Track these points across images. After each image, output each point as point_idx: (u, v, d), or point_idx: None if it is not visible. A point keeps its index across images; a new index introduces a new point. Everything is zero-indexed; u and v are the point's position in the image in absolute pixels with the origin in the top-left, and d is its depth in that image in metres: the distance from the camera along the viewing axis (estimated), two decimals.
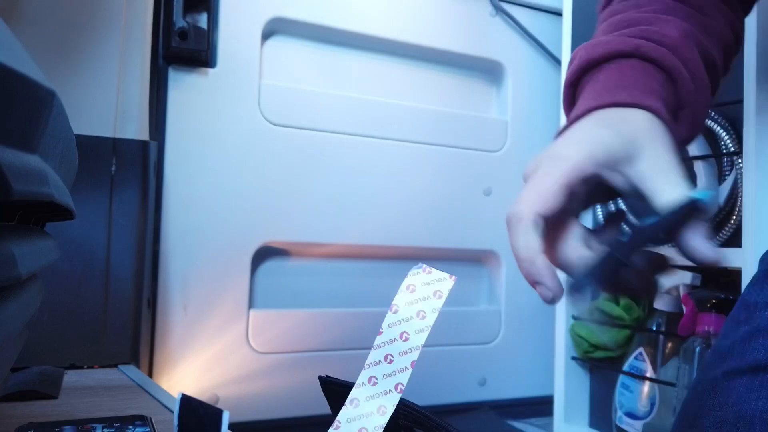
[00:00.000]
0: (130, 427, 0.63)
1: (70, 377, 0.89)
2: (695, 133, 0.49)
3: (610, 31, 0.49)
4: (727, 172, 0.98)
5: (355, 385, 0.38)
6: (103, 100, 0.98)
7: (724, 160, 0.98)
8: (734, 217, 0.96)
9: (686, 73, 0.46)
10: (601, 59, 0.47)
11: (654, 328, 1.04)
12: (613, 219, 0.46)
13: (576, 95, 0.50)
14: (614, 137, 0.41)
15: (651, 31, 0.47)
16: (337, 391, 0.81)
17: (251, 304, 1.13)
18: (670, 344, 1.02)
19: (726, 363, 0.52)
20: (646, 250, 0.41)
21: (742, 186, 0.92)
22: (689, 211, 0.39)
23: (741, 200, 0.93)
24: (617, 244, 0.39)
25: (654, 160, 0.41)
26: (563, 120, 1.40)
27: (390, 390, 0.37)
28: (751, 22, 0.87)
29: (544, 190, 0.40)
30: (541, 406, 1.33)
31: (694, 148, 1.01)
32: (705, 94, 0.48)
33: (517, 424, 1.28)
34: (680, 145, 0.46)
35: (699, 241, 0.40)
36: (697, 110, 0.48)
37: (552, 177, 0.41)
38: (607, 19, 0.52)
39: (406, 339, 0.37)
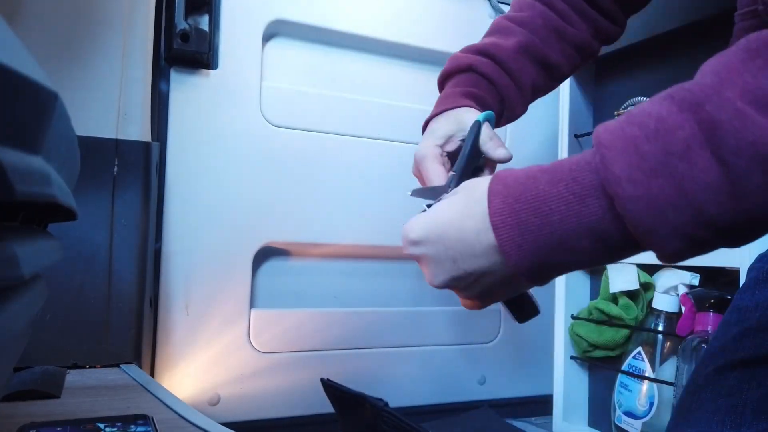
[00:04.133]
0: (132, 426, 0.64)
1: (73, 377, 0.89)
2: (518, 111, 0.74)
3: (472, 46, 0.73)
4: None
5: None
6: (105, 102, 0.99)
7: None
8: None
9: (505, 78, 0.70)
10: (452, 72, 0.72)
11: (652, 328, 1.04)
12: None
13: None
14: (448, 126, 0.68)
15: (490, 46, 0.71)
16: (337, 394, 0.82)
17: (252, 304, 1.13)
18: (668, 343, 1.02)
19: (718, 360, 0.53)
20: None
21: None
22: (477, 129, 0.64)
23: None
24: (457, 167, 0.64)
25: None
26: (561, 121, 1.40)
27: None
28: None
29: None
30: (540, 405, 1.34)
31: None
32: (524, 87, 0.72)
33: (517, 423, 1.29)
34: (509, 119, 0.75)
35: (491, 146, 0.64)
36: (515, 99, 0.72)
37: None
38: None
39: None
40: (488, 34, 0.75)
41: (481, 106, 0.69)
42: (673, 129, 0.36)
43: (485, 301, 0.51)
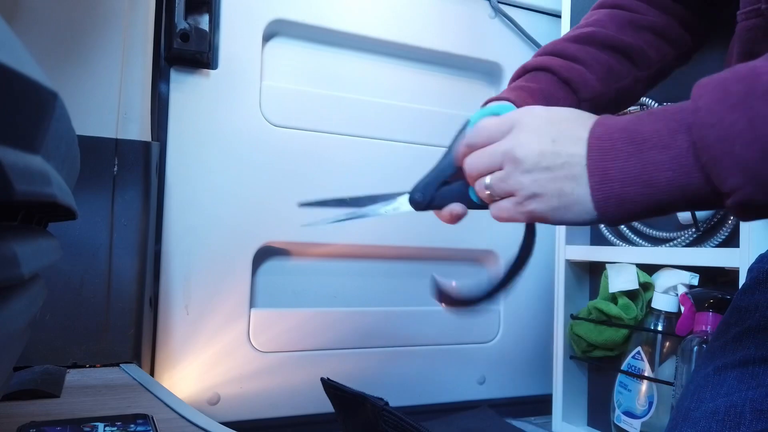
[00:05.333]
0: (132, 425, 0.64)
1: (72, 376, 0.89)
2: (598, 87, 0.67)
3: (554, 45, 0.69)
4: None
5: None
6: (105, 101, 0.99)
7: None
8: (731, 218, 0.96)
9: (563, 62, 0.66)
10: (528, 69, 0.68)
11: (652, 328, 1.04)
12: None
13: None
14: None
15: (549, 45, 0.68)
16: (337, 393, 0.82)
17: (252, 304, 1.13)
18: (668, 343, 1.02)
19: (717, 360, 0.53)
20: None
21: None
22: (462, 128, 0.60)
23: None
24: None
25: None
26: None
27: None
28: None
29: None
30: (539, 405, 1.34)
31: None
32: (591, 65, 0.66)
33: (516, 423, 1.29)
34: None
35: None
36: (581, 76, 0.66)
37: None
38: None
39: None
40: None
41: (533, 97, 0.64)
42: (760, 74, 0.39)
43: (532, 215, 0.50)
